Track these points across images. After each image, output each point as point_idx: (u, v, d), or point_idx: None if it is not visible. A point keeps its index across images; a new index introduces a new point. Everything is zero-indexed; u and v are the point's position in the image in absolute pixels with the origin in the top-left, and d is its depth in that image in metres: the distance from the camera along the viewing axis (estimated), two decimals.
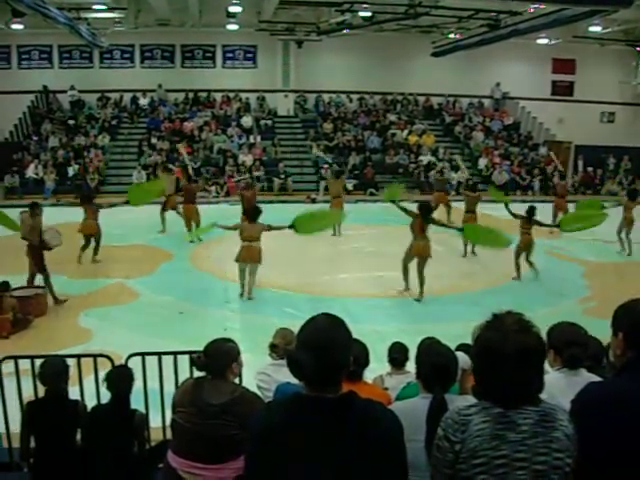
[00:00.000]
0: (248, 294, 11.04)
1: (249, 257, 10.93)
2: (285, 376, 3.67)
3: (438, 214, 15.40)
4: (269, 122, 27.04)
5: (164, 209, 16.14)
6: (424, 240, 11.29)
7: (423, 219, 11.25)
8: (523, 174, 25.45)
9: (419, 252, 11.28)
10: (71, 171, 22.77)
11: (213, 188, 22.90)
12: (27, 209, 10.90)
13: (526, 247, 12.46)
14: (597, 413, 2.35)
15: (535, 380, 2.22)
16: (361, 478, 2.13)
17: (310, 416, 2.17)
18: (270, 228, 11.15)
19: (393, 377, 5.04)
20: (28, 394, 5.02)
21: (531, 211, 12.59)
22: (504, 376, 2.16)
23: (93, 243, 13.47)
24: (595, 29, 23.53)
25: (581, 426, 2.25)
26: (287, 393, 2.31)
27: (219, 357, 3.66)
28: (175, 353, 5.27)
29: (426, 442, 2.77)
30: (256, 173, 23.78)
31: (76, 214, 17.79)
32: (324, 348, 2.17)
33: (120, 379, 4.49)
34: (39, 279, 10.77)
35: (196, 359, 3.64)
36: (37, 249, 10.49)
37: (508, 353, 2.15)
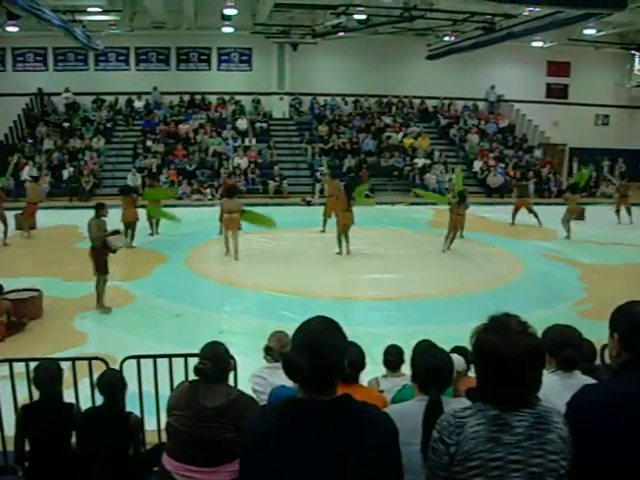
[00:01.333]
0: (235, 255, 13.74)
1: (231, 226, 13.91)
2: (280, 379, 3.67)
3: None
4: (264, 125, 27.05)
5: (22, 215, 16.37)
6: (348, 212, 14.41)
7: (347, 195, 14.51)
8: (518, 176, 25.45)
9: (345, 221, 14.43)
10: (66, 174, 22.74)
11: (208, 191, 22.89)
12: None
13: (460, 225, 15.21)
14: (592, 415, 2.34)
15: (536, 381, 2.23)
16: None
17: (305, 419, 2.16)
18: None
19: (388, 379, 5.04)
20: (23, 397, 5.00)
21: (461, 195, 15.24)
22: (509, 378, 2.16)
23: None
24: (590, 32, 23.59)
25: (576, 428, 2.25)
26: (282, 397, 2.30)
27: (222, 360, 3.66)
28: (170, 356, 5.26)
29: (422, 445, 2.76)
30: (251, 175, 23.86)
31: (70, 217, 17.84)
32: (319, 351, 2.17)
33: (110, 383, 4.47)
34: (30, 282, 10.77)
35: (203, 367, 3.57)
36: (100, 251, 10.23)
37: (516, 355, 2.14)
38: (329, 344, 2.21)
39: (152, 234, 16.42)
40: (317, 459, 2.10)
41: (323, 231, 16.92)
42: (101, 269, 10.26)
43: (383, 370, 5.31)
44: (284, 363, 2.25)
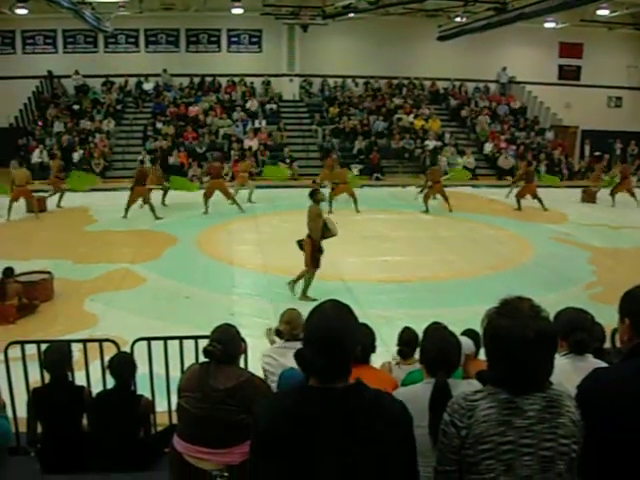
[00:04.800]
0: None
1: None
2: (290, 361, 3.67)
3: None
4: (274, 107, 26.95)
5: (14, 199, 16.22)
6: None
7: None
8: (529, 159, 25.29)
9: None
10: (76, 156, 22.74)
11: None
12: None
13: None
14: (603, 398, 2.33)
15: (548, 365, 2.22)
16: (369, 469, 2.12)
17: (318, 407, 2.15)
18: None
19: (401, 367, 4.97)
20: (34, 379, 5.04)
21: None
22: (520, 362, 2.15)
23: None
24: (603, 12, 23.27)
25: (587, 411, 2.25)
26: (292, 378, 2.30)
27: (233, 343, 3.65)
28: (181, 338, 5.28)
29: (430, 427, 2.77)
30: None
31: (80, 199, 17.94)
32: (332, 343, 2.15)
33: (122, 365, 4.50)
34: (41, 265, 10.85)
35: (213, 350, 3.55)
36: (316, 241, 9.87)
37: (528, 339, 2.13)
38: (342, 334, 2.19)
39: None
40: (330, 446, 2.10)
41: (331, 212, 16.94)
42: (317, 260, 9.92)
43: (394, 352, 5.26)
44: (297, 357, 2.23)
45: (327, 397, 2.16)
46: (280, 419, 2.18)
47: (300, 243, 9.98)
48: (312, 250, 9.85)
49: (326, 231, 9.89)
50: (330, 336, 2.17)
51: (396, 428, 2.19)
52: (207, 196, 16.91)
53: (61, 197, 17.89)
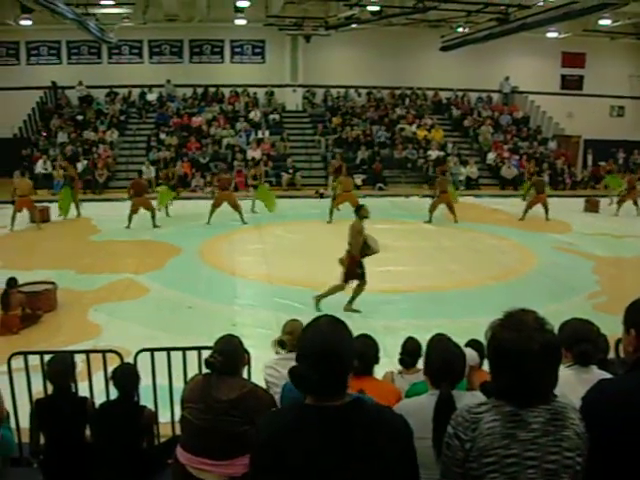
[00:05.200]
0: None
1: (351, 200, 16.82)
2: None
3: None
4: (277, 117, 27.01)
5: (17, 210, 16.28)
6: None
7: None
8: (534, 171, 25.21)
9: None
10: (80, 167, 22.77)
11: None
12: None
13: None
14: (608, 410, 2.33)
15: (552, 377, 2.21)
16: None
17: (314, 426, 2.13)
18: None
19: (404, 377, 4.95)
20: (37, 390, 5.04)
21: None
22: (524, 375, 2.14)
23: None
24: (605, 22, 23.33)
25: (591, 423, 2.23)
26: (295, 390, 2.28)
27: (235, 354, 3.65)
28: (184, 349, 5.27)
29: (434, 439, 2.76)
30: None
31: (84, 209, 17.96)
32: (328, 358, 2.13)
33: (125, 376, 4.49)
34: (44, 275, 10.83)
35: (213, 361, 3.56)
36: (356, 257, 9.73)
37: (532, 352, 2.11)
38: (338, 351, 2.16)
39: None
40: (330, 463, 2.08)
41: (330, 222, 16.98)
42: (354, 276, 9.81)
43: (396, 362, 5.23)
44: (291, 376, 2.21)
45: (323, 416, 2.13)
46: (281, 433, 2.16)
47: (341, 260, 9.89)
48: (349, 264, 9.73)
49: (366, 249, 9.72)
50: (325, 351, 2.14)
51: (397, 442, 2.17)
52: (215, 207, 16.92)
53: (77, 206, 18.11)
